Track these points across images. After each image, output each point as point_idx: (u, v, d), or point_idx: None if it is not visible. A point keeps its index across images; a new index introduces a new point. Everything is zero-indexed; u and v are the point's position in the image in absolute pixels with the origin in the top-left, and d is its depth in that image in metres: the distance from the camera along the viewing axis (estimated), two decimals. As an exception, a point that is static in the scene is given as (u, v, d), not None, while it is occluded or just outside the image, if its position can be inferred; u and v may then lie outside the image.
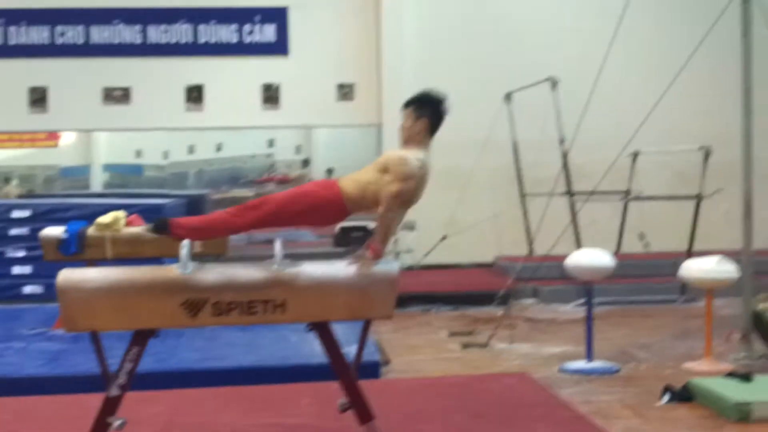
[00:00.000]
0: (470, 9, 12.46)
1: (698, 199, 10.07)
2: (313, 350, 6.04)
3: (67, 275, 3.88)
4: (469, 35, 12.39)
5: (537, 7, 12.52)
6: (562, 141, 10.40)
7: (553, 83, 10.36)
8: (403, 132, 4.33)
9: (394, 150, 4.28)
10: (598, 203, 9.70)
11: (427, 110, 4.32)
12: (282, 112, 12.31)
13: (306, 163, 16.15)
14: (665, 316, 8.84)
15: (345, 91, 12.45)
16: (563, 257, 6.95)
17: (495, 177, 11.94)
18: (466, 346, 7.48)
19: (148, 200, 9.86)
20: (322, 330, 4.04)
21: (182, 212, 10.46)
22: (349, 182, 4.20)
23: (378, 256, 3.98)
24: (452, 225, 11.35)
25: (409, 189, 4.09)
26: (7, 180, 16.82)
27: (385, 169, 4.12)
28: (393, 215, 4.05)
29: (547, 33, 12.37)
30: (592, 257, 6.66)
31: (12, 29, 11.96)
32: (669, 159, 11.33)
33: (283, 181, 15.70)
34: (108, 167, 17.95)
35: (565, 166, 10.25)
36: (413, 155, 4.21)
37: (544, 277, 9.56)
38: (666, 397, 5.50)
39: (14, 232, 9.07)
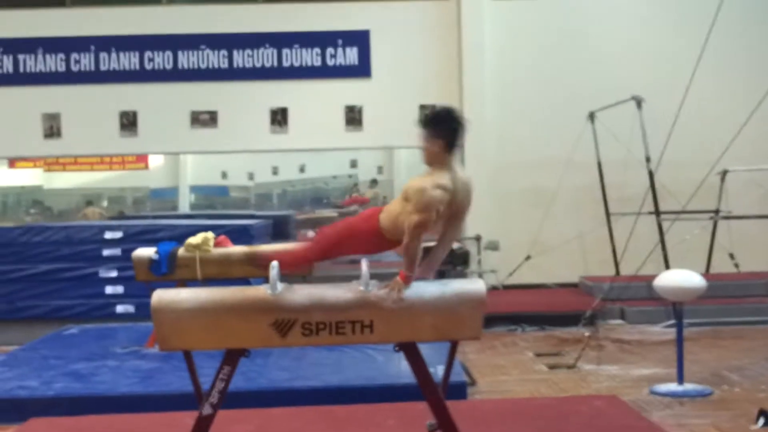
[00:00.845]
0: (552, 28, 12.40)
1: (791, 217, 9.81)
2: (399, 370, 6.07)
3: (161, 296, 3.98)
4: (551, 54, 12.32)
5: (619, 26, 12.39)
6: (648, 160, 10.24)
7: (638, 102, 10.22)
8: (424, 154, 4.25)
9: (415, 178, 4.17)
10: (685, 222, 9.53)
11: (441, 130, 4.16)
12: (364, 133, 12.40)
13: (374, 183, 16.26)
14: (758, 338, 8.59)
15: (427, 113, 12.46)
16: (650, 277, 6.83)
17: (579, 196, 11.82)
18: (552, 367, 7.40)
19: (236, 221, 10.01)
20: (410, 350, 4.05)
21: (268, 233, 10.60)
22: (384, 213, 4.26)
23: (407, 282, 3.98)
24: (536, 245, 11.28)
25: (430, 218, 4.02)
26: (89, 203, 17.28)
27: (407, 198, 4.09)
28: (417, 243, 4.00)
29: (631, 52, 12.23)
30: (682, 277, 6.52)
31: (103, 55, 12.32)
32: (759, 177, 11.04)
33: (363, 202, 15.80)
34: (195, 188, 18.33)
35: (652, 185, 10.08)
36: (434, 182, 4.05)
37: (631, 297, 9.41)
38: (761, 421, 5.35)
39: (107, 252, 9.29)
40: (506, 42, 12.33)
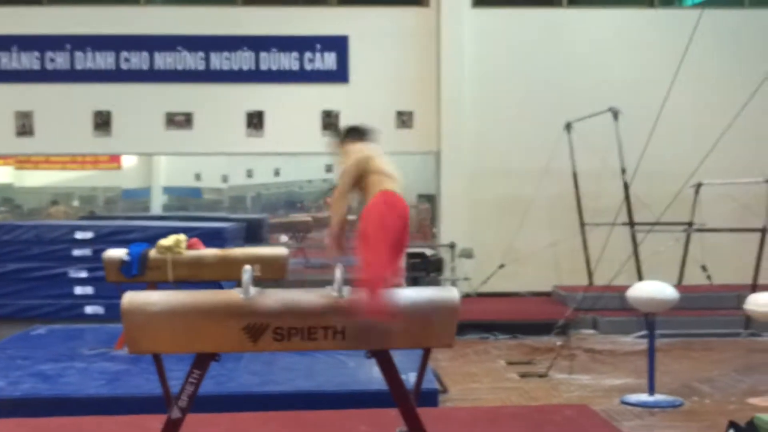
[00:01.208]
0: (531, 37, 12.46)
1: (763, 232, 9.88)
2: (370, 377, 6.03)
3: (131, 298, 3.92)
4: (530, 64, 12.38)
5: (598, 38, 12.49)
6: (623, 171, 10.29)
7: (615, 114, 10.28)
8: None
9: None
10: (659, 234, 9.57)
11: None
12: (341, 138, 12.35)
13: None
14: (729, 350, 8.64)
15: (404, 119, 12.48)
16: (623, 288, 6.85)
17: (554, 206, 11.87)
18: (524, 375, 7.39)
19: (209, 224, 9.94)
20: (382, 357, 4.01)
21: (241, 236, 10.53)
22: None
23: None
24: (510, 253, 11.30)
25: None
26: (54, 202, 17.13)
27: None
28: None
29: (608, 63, 12.34)
30: (655, 289, 6.54)
31: (78, 54, 12.23)
32: (733, 191, 11.11)
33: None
34: (167, 189, 18.22)
35: (627, 196, 10.12)
36: None
37: (604, 307, 9.43)
38: (731, 433, 5.36)
39: (77, 252, 9.20)
40: (485, 50, 12.36)
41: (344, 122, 12.28)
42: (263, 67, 12.37)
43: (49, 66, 12.19)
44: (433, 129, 12.28)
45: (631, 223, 10.10)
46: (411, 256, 11.89)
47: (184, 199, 18.62)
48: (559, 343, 8.02)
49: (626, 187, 10.21)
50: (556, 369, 7.41)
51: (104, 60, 12.27)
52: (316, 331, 3.86)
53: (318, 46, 12.39)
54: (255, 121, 12.37)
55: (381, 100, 12.27)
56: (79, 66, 12.22)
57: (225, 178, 17.96)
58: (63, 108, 12.16)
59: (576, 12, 12.83)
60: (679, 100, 9.08)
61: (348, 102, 12.33)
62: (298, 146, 12.53)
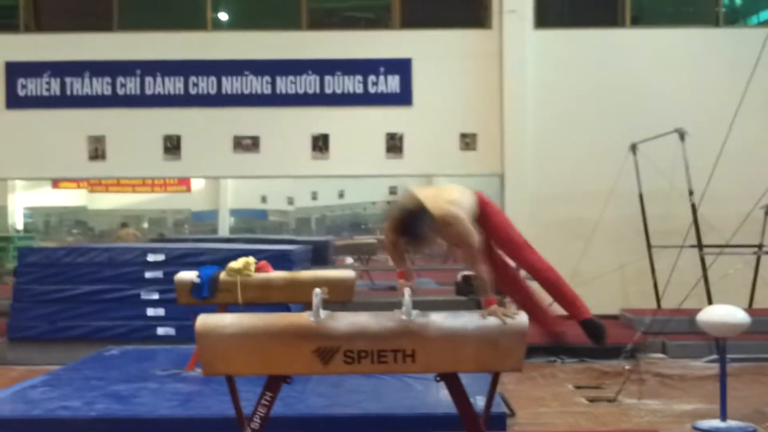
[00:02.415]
0: (594, 58, 12.41)
1: (836, 253, 9.68)
2: (438, 400, 6.04)
3: (205, 320, 4.01)
4: (593, 85, 12.32)
5: (663, 59, 12.37)
6: (691, 193, 10.16)
7: (681, 135, 10.16)
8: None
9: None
10: (729, 257, 9.42)
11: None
12: (405, 160, 12.44)
13: None
14: (802, 376, 8.46)
15: (467, 141, 12.51)
16: (692, 311, 6.77)
17: (620, 228, 11.75)
18: (593, 400, 7.33)
19: (276, 246, 10.05)
20: (452, 381, 4.04)
21: (308, 258, 10.63)
22: None
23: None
24: (576, 276, 11.16)
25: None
26: (124, 225, 17.47)
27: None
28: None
29: (674, 85, 12.22)
30: (726, 313, 6.44)
31: (148, 79, 12.53)
32: (804, 212, 10.90)
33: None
34: (234, 212, 18.46)
35: (695, 218, 9.99)
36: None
37: (673, 331, 9.30)
38: (806, 462, 5.26)
39: (149, 275, 9.37)
40: (548, 71, 12.34)
41: (408, 144, 12.41)
42: (328, 90, 12.52)
43: (120, 91, 12.51)
44: (497, 151, 12.28)
45: (700, 246, 9.96)
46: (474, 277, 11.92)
47: (250, 220, 18.87)
48: (627, 367, 7.92)
49: (694, 209, 10.08)
50: (625, 394, 7.32)
51: (173, 85, 12.54)
52: (386, 354, 3.91)
53: (382, 69, 12.51)
54: (320, 143, 12.51)
55: (444, 123, 12.32)
56: (149, 91, 12.51)
57: (290, 201, 18.15)
58: (134, 132, 12.46)
59: (639, 32, 12.75)
60: (746, 121, 8.97)
61: (412, 124, 12.41)
62: (363, 168, 12.64)
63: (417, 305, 4.00)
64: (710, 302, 8.72)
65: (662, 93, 12.16)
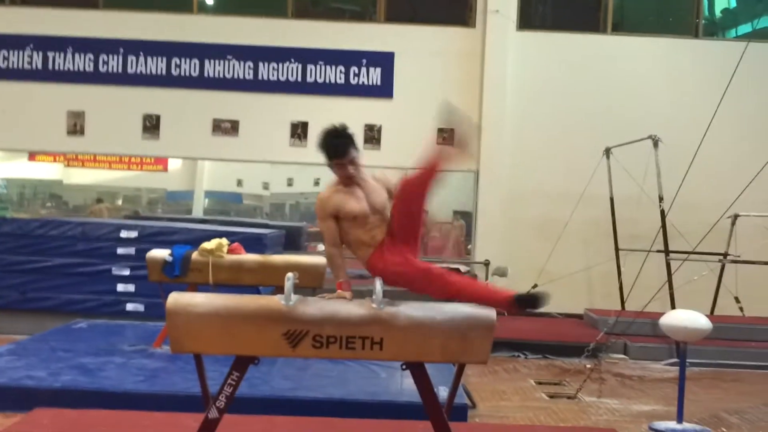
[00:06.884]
0: (574, 62, 12.56)
1: (799, 266, 9.87)
2: (401, 388, 6.16)
3: (176, 299, 4.06)
4: (571, 88, 12.47)
5: (641, 66, 12.54)
6: (661, 199, 10.32)
7: (655, 142, 10.31)
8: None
9: None
10: (694, 263, 9.59)
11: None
12: (382, 152, 12.49)
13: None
14: (758, 382, 8.64)
15: (444, 136, 12.57)
16: (655, 314, 6.91)
17: (590, 230, 11.93)
18: (553, 396, 7.46)
19: (250, 229, 10.12)
20: (418, 370, 4.13)
21: (281, 243, 10.70)
22: None
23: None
24: (544, 274, 11.35)
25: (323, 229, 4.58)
26: (99, 200, 17.39)
27: None
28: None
29: (650, 91, 12.40)
30: (689, 318, 6.57)
31: (131, 58, 12.52)
32: (770, 224, 11.12)
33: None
34: (209, 193, 18.41)
35: (663, 224, 10.15)
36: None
37: (635, 333, 9.47)
38: (755, 466, 5.41)
39: (121, 251, 9.42)
40: (528, 72, 12.47)
41: (386, 136, 12.49)
42: (309, 79, 12.57)
43: (102, 68, 12.49)
44: (473, 148, 12.37)
45: (666, 251, 10.12)
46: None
47: (225, 203, 18.83)
48: (589, 365, 8.07)
49: (663, 215, 10.24)
50: (585, 392, 7.47)
51: (155, 65, 12.54)
52: (354, 341, 3.99)
53: (364, 61, 12.57)
54: (299, 131, 12.56)
55: (424, 117, 12.36)
56: (131, 70, 12.50)
57: (266, 186, 18.14)
58: (114, 109, 12.45)
59: (619, 39, 12.90)
60: (719, 131, 9.12)
61: (391, 117, 12.49)
62: (341, 158, 12.66)
63: (387, 294, 4.09)
64: (673, 307, 8.86)
65: (639, 100, 12.35)
